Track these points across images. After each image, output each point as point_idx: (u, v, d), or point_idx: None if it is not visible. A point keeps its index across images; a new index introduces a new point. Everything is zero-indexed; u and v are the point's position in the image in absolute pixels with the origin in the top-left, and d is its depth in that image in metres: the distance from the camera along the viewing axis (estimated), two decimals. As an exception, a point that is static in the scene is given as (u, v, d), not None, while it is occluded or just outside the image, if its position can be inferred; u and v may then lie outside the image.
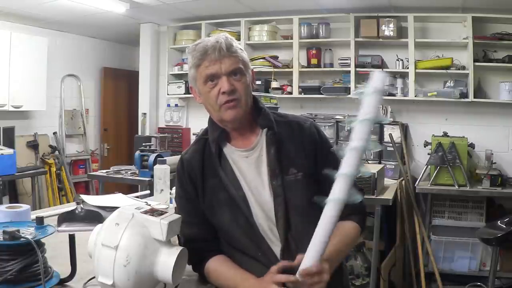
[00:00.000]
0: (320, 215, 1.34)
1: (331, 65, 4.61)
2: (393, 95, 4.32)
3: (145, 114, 5.53)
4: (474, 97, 4.02)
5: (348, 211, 1.36)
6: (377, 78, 1.12)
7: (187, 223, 1.33)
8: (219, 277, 1.31)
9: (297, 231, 1.27)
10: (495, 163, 3.84)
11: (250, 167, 1.32)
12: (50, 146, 5.41)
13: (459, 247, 3.78)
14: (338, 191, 1.09)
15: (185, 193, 1.37)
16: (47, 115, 5.41)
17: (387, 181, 3.75)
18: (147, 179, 3.75)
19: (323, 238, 1.10)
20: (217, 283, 1.32)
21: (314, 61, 4.59)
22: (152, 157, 3.76)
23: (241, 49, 1.30)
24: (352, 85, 4.38)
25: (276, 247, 1.28)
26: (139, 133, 5.43)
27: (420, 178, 3.88)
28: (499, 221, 2.81)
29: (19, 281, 1.11)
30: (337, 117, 4.44)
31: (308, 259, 1.11)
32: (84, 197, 2.11)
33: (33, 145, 5.17)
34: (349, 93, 4.40)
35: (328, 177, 1.34)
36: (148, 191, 2.82)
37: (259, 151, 1.33)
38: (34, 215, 1.68)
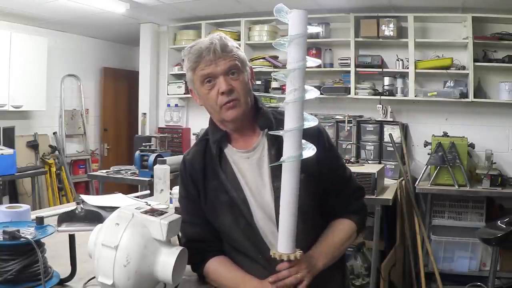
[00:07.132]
0: (320, 217, 1.34)
1: (331, 65, 4.61)
2: (393, 95, 4.33)
3: (145, 114, 5.53)
4: (474, 97, 4.02)
5: (348, 211, 1.36)
6: (296, 21, 1.03)
7: (190, 223, 1.33)
8: (219, 277, 1.31)
9: (298, 232, 1.26)
10: (495, 163, 3.84)
11: (252, 168, 1.31)
12: (50, 146, 5.41)
13: (459, 247, 3.79)
14: (290, 149, 1.07)
15: (188, 194, 1.37)
16: (47, 115, 5.41)
17: (387, 181, 3.75)
18: (147, 179, 3.76)
19: (292, 215, 1.10)
20: (216, 283, 1.32)
21: (314, 61, 4.58)
22: (152, 157, 3.77)
23: (237, 47, 1.29)
24: (352, 85, 4.38)
25: None
26: (139, 133, 5.43)
27: (420, 178, 3.88)
28: (499, 221, 2.81)
29: (19, 281, 1.11)
30: (337, 117, 4.45)
31: (282, 246, 1.12)
32: (84, 197, 2.11)
33: (33, 145, 5.17)
34: (349, 93, 4.40)
35: (330, 178, 1.33)
36: (148, 191, 2.82)
37: (260, 152, 1.31)
38: (34, 215, 1.68)
